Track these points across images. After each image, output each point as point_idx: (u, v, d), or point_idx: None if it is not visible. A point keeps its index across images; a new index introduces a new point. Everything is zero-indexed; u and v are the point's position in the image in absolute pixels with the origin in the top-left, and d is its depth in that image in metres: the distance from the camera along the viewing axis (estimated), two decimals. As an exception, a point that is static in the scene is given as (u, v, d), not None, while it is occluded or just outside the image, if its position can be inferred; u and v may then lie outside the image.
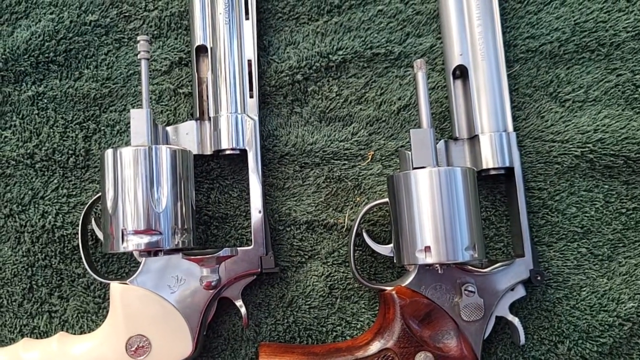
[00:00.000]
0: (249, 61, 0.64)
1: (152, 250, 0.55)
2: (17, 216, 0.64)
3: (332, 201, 0.65)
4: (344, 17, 0.67)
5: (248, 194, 0.62)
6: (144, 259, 0.60)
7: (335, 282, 0.64)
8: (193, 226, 0.57)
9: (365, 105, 0.66)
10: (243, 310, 0.60)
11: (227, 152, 0.62)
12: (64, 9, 0.66)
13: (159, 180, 0.55)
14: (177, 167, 0.56)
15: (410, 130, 0.57)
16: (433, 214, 0.54)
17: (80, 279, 0.63)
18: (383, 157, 0.65)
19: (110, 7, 0.66)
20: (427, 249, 0.54)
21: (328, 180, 0.65)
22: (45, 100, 0.65)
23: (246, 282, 0.61)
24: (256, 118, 0.63)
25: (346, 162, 0.65)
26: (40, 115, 0.65)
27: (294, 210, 0.65)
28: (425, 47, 0.66)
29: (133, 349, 0.58)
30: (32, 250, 0.63)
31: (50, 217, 0.64)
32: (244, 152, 0.62)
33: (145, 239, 0.53)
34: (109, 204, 0.54)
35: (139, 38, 0.57)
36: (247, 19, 0.64)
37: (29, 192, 0.64)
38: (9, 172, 0.64)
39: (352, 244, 0.61)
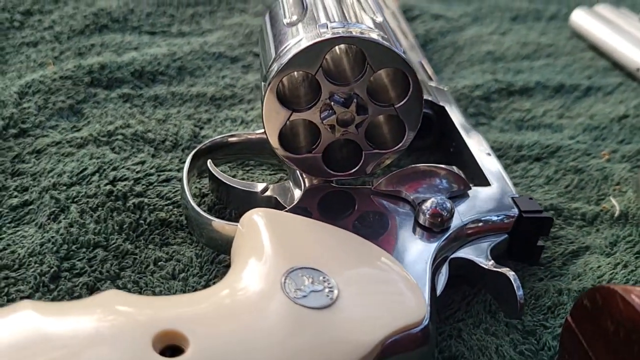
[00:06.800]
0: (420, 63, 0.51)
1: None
2: (63, 187, 0.37)
3: (577, 193, 0.41)
4: (511, 65, 0.57)
5: (457, 150, 0.40)
6: (299, 188, 0.33)
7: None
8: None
9: (572, 119, 0.50)
10: (512, 276, 0.29)
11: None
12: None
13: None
14: None
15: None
16: None
17: (161, 263, 0.32)
18: (625, 158, 0.45)
19: (239, 47, 0.56)
20: None
21: (561, 172, 0.43)
22: (144, 100, 0.47)
23: (494, 241, 0.32)
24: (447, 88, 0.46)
25: (579, 156, 0.45)
26: (131, 108, 0.46)
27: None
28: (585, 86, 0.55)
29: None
30: (77, 223, 0.34)
31: (126, 182, 0.37)
32: (438, 113, 0.42)
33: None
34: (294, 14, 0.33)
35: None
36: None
37: (95, 163, 0.39)
38: (63, 152, 0.41)
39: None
